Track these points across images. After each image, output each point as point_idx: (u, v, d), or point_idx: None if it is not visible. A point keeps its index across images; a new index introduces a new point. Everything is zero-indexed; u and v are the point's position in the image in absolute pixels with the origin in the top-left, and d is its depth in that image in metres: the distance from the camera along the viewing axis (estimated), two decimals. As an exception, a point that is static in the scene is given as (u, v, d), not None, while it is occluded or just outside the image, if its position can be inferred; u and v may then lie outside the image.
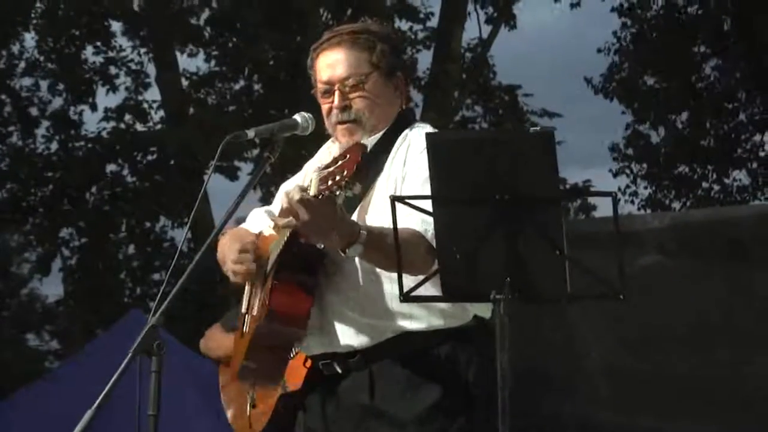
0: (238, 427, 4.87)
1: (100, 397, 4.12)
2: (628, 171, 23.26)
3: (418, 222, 4.09)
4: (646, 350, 12.82)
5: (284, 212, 4.27)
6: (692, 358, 12.48)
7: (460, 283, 4.01)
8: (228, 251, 4.52)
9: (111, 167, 23.86)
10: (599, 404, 13.03)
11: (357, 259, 4.25)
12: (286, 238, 4.30)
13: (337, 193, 3.96)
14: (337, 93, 4.52)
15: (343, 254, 4.16)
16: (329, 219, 4.00)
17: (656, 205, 22.69)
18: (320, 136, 4.68)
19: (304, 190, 3.98)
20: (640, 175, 23.27)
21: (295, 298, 4.40)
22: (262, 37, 20.41)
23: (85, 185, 23.77)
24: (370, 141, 4.50)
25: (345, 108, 4.51)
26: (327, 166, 4.02)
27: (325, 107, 4.55)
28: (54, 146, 23.91)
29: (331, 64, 4.56)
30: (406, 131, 4.52)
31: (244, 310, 4.64)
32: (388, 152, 4.50)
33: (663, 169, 23.10)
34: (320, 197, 3.95)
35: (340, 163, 3.97)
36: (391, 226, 4.01)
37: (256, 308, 4.52)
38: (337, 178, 3.94)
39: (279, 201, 4.62)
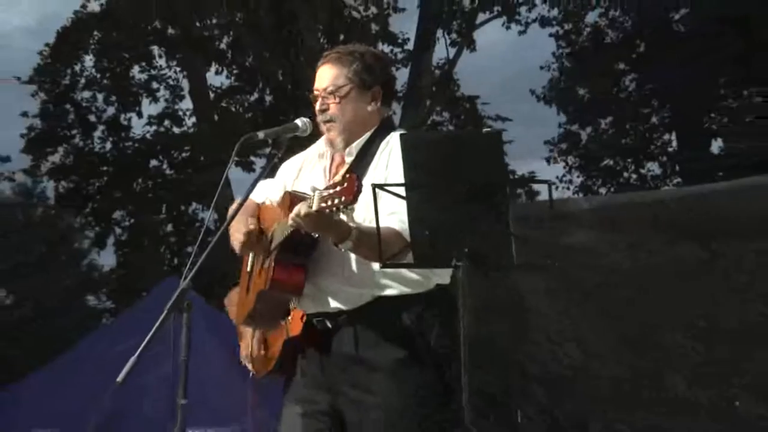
0: (252, 368, 4.84)
1: (143, 345, 4.13)
2: (564, 163, 23.35)
3: (396, 222, 4.11)
4: (583, 310, 12.82)
5: (286, 203, 4.32)
6: (620, 313, 12.48)
7: (428, 253, 3.99)
8: (235, 230, 4.56)
9: (153, 162, 24.08)
10: (541, 357, 13.05)
11: None
12: (289, 231, 4.27)
13: (337, 209, 3.94)
14: (319, 99, 4.56)
15: (335, 247, 4.21)
16: (327, 226, 4.07)
17: (587, 191, 22.72)
18: (317, 136, 4.66)
19: (309, 207, 3.97)
20: (573, 167, 23.33)
21: (292, 274, 4.43)
22: (271, 59, 20.43)
23: (133, 177, 23.93)
24: (355, 144, 4.52)
25: (323, 110, 4.54)
26: (327, 188, 3.97)
27: (315, 109, 4.56)
28: (108, 146, 24.02)
29: (318, 76, 4.61)
30: (388, 137, 4.49)
31: (248, 269, 4.65)
32: (373, 155, 4.48)
33: (592, 161, 23.17)
34: (320, 215, 3.96)
35: (338, 189, 3.93)
36: (373, 219, 4.05)
37: (259, 274, 4.54)
38: (336, 201, 3.91)
39: (281, 176, 4.74)
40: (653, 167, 22.98)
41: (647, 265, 12.28)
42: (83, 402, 11.46)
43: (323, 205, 3.93)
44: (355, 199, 3.91)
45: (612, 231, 12.95)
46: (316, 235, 4.32)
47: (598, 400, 12.48)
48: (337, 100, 4.55)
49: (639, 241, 12.59)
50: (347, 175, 4.00)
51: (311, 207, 3.97)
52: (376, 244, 4.08)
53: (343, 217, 4.06)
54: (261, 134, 4.53)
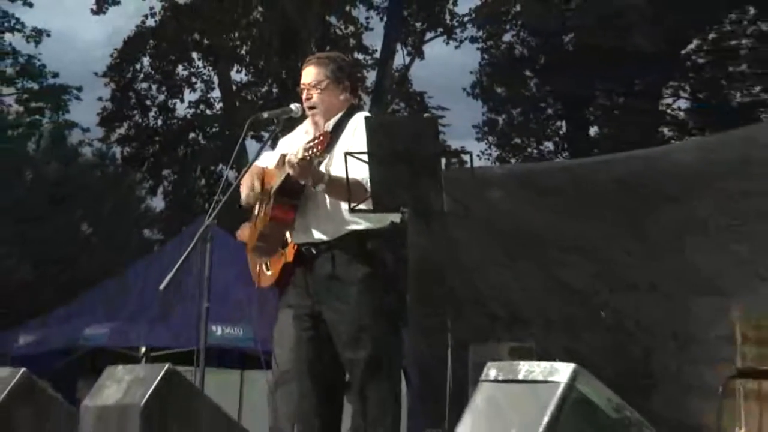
0: (258, 282, 4.83)
1: (179, 263, 4.15)
2: (485, 141, 23.30)
3: (359, 173, 4.07)
4: (497, 244, 12.86)
5: (280, 164, 4.31)
6: (524, 247, 12.54)
7: (384, 202, 3.97)
8: (245, 183, 4.55)
9: (191, 135, 23.97)
10: (468, 278, 13.10)
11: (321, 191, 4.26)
12: (282, 178, 4.29)
13: (313, 159, 4.08)
14: (305, 91, 4.50)
15: (313, 189, 4.23)
16: (307, 171, 4.11)
17: (501, 161, 22.69)
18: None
19: (295, 156, 4.09)
20: (492, 144, 23.29)
21: (286, 212, 4.39)
22: (277, 63, 20.38)
23: (176, 145, 23.90)
24: (331, 122, 4.48)
25: (308, 99, 4.49)
26: (309, 142, 4.09)
27: (302, 98, 4.52)
28: (159, 123, 23.77)
29: (305, 74, 4.55)
30: (355, 117, 4.45)
31: (255, 213, 4.59)
32: (343, 130, 4.43)
33: (505, 140, 23.16)
34: (303, 160, 4.06)
35: (315, 142, 4.05)
36: (344, 175, 4.07)
37: (263, 213, 4.50)
38: (314, 150, 4.03)
39: (280, 148, 4.63)
40: (549, 145, 23.00)
41: (542, 212, 12.38)
42: (132, 307, 11.49)
43: (306, 154, 4.05)
44: (327, 148, 4.09)
45: (518, 189, 13.01)
46: (302, 182, 4.29)
47: (506, 314, 12.54)
48: (319, 91, 4.50)
49: (536, 197, 12.66)
50: (323, 134, 4.17)
51: (297, 154, 4.08)
52: (345, 188, 4.10)
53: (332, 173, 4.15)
54: (265, 114, 4.66)
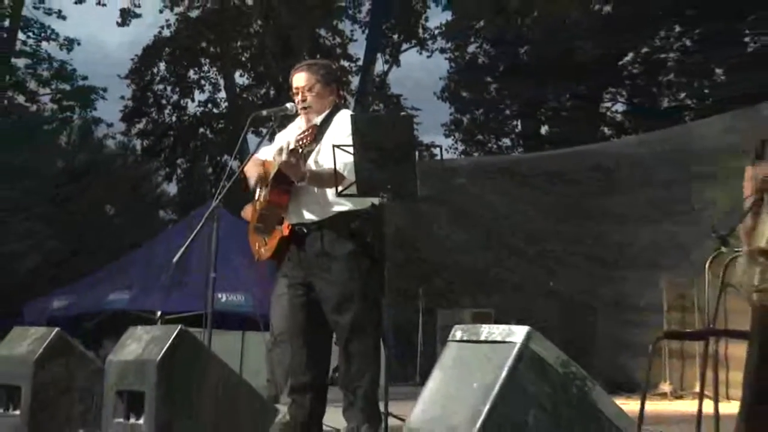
0: (258, 256, 4.81)
1: (190, 239, 4.12)
2: (452, 137, 23.24)
3: (342, 165, 4.04)
4: (462, 222, 12.91)
5: (277, 154, 4.25)
6: (486, 222, 12.60)
7: (366, 187, 3.94)
8: (248, 171, 4.54)
9: (201, 130, 23.82)
10: (436, 249, 13.13)
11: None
12: (277, 168, 4.26)
13: (301, 149, 4.10)
14: (300, 93, 4.48)
15: (296, 183, 4.28)
16: (291, 168, 4.17)
17: (466, 154, 22.65)
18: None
19: (288, 145, 4.12)
20: (458, 140, 23.22)
21: (281, 196, 4.38)
22: (275, 68, 20.27)
23: (188, 138, 23.74)
24: (319, 118, 4.46)
25: (303, 100, 4.47)
26: (299, 135, 4.12)
27: (295, 99, 4.49)
28: (173, 119, 23.63)
29: (297, 78, 4.53)
30: (340, 113, 4.44)
31: (256, 197, 4.56)
32: (329, 125, 4.41)
33: (469, 137, 23.11)
34: (293, 151, 4.09)
35: (305, 134, 4.09)
36: (330, 166, 4.04)
37: (262, 197, 4.48)
38: (302, 141, 4.07)
39: (276, 143, 4.58)
40: (506, 141, 22.98)
41: (500, 196, 12.41)
42: (149, 277, 11.44)
43: (296, 145, 4.08)
44: (314, 139, 4.12)
45: (480, 178, 13.04)
46: (288, 176, 4.27)
47: (469, 283, 12.58)
48: (311, 93, 4.49)
49: (496, 183, 12.70)
50: (311, 127, 4.22)
51: (290, 145, 4.10)
52: (324, 180, 4.14)
53: (321, 163, 4.18)
54: (264, 112, 4.60)
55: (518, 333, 2.66)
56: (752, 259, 3.24)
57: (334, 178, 4.06)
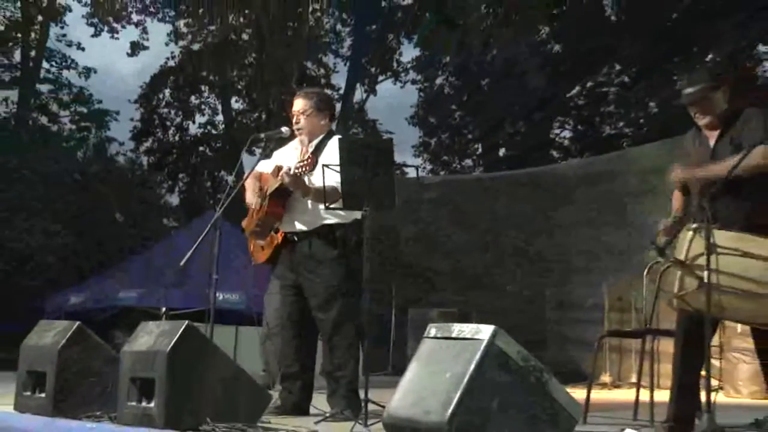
0: (255, 260, 4.79)
1: (194, 246, 4.10)
2: (421, 158, 23.21)
3: (333, 181, 4.00)
4: (431, 230, 12.92)
5: (275, 172, 4.29)
6: (445, 229, 12.62)
7: (351, 202, 3.93)
8: (248, 184, 4.56)
9: (201, 148, 23.78)
10: (412, 260, 13.14)
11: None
12: (277, 185, 4.28)
13: (302, 174, 4.14)
14: (295, 117, 4.49)
15: (302, 198, 4.27)
16: (298, 184, 4.17)
17: (434, 173, 22.66)
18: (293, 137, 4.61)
19: (288, 171, 4.14)
20: (426, 160, 23.21)
21: (277, 208, 4.39)
22: (267, 95, 20.23)
23: (189, 156, 23.72)
24: (314, 143, 4.47)
25: (297, 123, 4.48)
26: (299, 162, 4.15)
27: (293, 122, 4.48)
28: (176, 139, 23.68)
29: (295, 103, 4.54)
30: (332, 139, 4.41)
31: (255, 207, 4.54)
32: (323, 148, 4.41)
33: (436, 158, 23.14)
34: (296, 176, 4.13)
35: (304, 162, 4.10)
36: (323, 184, 4.01)
37: (260, 208, 4.47)
38: (303, 169, 4.10)
39: (274, 159, 4.61)
40: (468, 162, 23.02)
41: (464, 208, 12.45)
42: (154, 276, 11.36)
43: (297, 171, 4.11)
44: (312, 168, 4.09)
45: (446, 193, 13.09)
46: (293, 191, 4.27)
47: (437, 283, 12.59)
48: (305, 117, 4.50)
49: (459, 198, 12.73)
50: (308, 157, 4.16)
51: (291, 171, 4.12)
52: (322, 195, 4.07)
53: (314, 182, 4.17)
54: (262, 135, 4.62)
55: (485, 331, 2.67)
56: (675, 268, 3.32)
57: (332, 194, 4.04)
